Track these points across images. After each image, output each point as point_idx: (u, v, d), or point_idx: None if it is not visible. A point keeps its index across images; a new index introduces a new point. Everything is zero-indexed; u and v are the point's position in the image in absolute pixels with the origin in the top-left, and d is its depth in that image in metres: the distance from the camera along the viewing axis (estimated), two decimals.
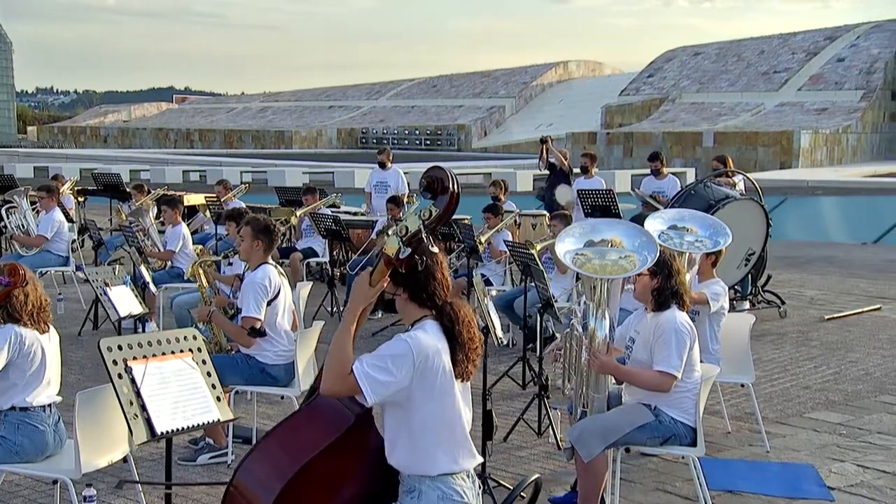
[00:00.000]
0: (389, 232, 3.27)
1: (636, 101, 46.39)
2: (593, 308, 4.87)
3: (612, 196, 11.35)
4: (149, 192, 13.84)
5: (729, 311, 6.74)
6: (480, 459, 3.47)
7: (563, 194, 12.70)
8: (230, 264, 7.85)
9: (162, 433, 3.56)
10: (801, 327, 10.09)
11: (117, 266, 7.55)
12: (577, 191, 11.83)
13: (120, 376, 3.48)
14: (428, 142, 50.85)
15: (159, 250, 10.17)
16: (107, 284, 6.52)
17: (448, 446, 3.35)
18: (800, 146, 35.45)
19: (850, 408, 7.24)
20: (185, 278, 9.62)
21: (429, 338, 3.31)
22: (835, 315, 10.53)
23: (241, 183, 19.84)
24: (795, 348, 9.17)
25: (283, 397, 7.05)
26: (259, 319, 6.14)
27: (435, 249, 3.35)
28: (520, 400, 7.77)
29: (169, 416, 3.54)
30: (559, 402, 6.68)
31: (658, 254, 4.88)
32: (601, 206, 10.98)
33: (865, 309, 10.85)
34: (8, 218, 11.09)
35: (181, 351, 3.69)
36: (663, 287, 5.02)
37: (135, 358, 3.52)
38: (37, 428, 4.78)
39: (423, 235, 3.18)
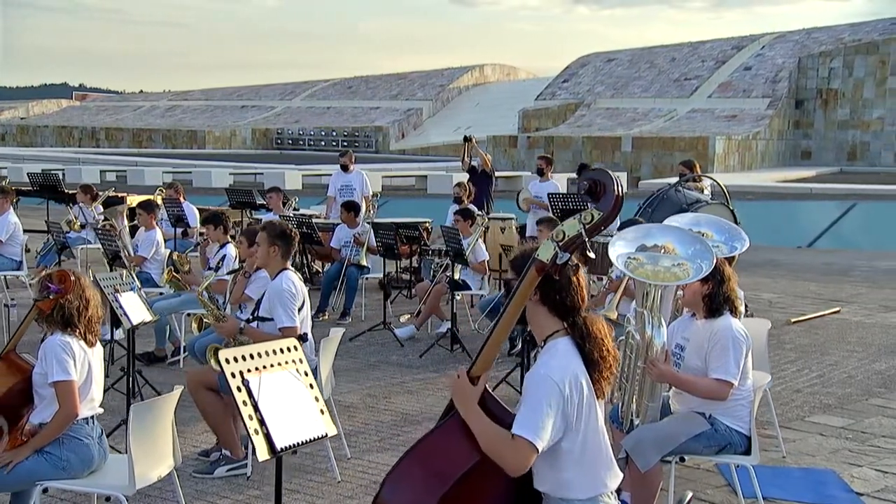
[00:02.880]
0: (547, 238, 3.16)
1: (552, 105, 46.88)
2: (648, 315, 4.87)
3: (584, 201, 11.42)
4: (97, 194, 13.41)
5: None
6: (621, 476, 3.41)
7: (523, 196, 12.74)
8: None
9: (282, 449, 3.44)
10: (771, 330, 10.30)
11: (124, 272, 7.29)
12: (549, 194, 11.88)
13: (239, 389, 3.34)
14: (345, 143, 50.46)
15: (129, 254, 9.86)
16: (117, 291, 6.29)
17: (595, 467, 3.28)
18: (715, 152, 36.34)
19: (846, 411, 7.43)
20: (163, 284, 9.37)
21: (564, 362, 3.20)
22: (799, 318, 10.79)
23: (162, 184, 19.33)
24: (773, 351, 9.35)
25: None
26: (296, 328, 6.01)
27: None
28: None
29: (285, 431, 3.41)
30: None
31: (714, 263, 4.91)
32: (572, 211, 11.02)
33: (826, 312, 11.16)
34: None
35: (286, 363, 3.57)
36: (715, 293, 5.04)
37: (248, 370, 3.38)
38: (82, 441, 4.59)
39: (586, 241, 3.09)
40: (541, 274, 3.16)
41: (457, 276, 9.90)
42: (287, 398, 3.50)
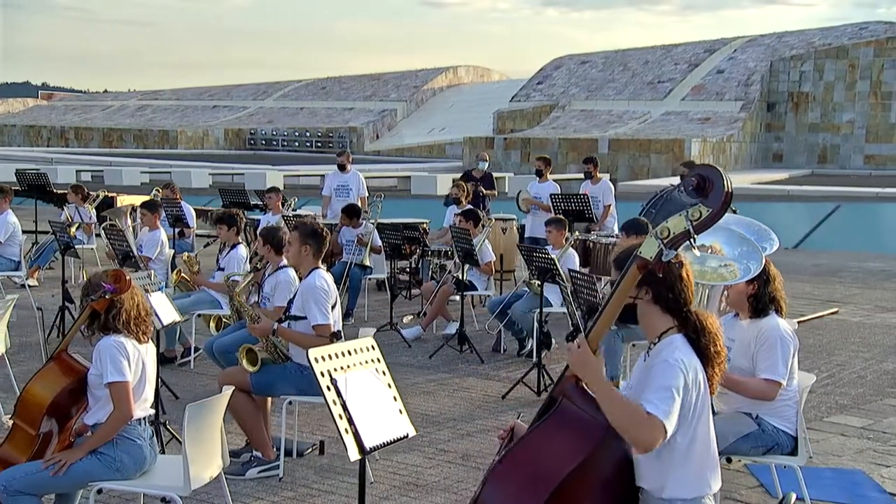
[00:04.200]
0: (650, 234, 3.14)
1: (527, 107, 47.02)
2: None
3: (586, 200, 11.48)
4: (87, 194, 13.28)
5: None
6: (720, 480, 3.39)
7: (522, 196, 12.76)
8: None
9: (371, 448, 3.41)
10: None
11: (151, 272, 7.22)
12: (550, 195, 11.91)
13: (328, 388, 3.32)
14: (319, 144, 50.31)
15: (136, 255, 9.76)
16: (147, 290, 6.21)
17: (702, 467, 3.25)
18: (691, 154, 36.58)
19: (863, 411, 7.50)
20: (171, 285, 9.28)
21: (688, 356, 3.19)
22: (801, 319, 10.89)
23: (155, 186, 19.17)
24: None
25: None
26: (330, 325, 5.98)
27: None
28: (538, 406, 7.77)
29: (372, 431, 3.39)
30: None
31: (763, 264, 4.93)
32: (574, 211, 11.08)
33: (826, 312, 11.27)
34: None
35: (366, 362, 3.55)
36: (761, 293, 5.06)
37: (335, 369, 3.36)
38: (134, 442, 4.55)
39: (693, 238, 3.07)
40: (642, 271, 3.13)
41: (461, 277, 9.88)
42: (370, 397, 3.48)
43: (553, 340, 9.37)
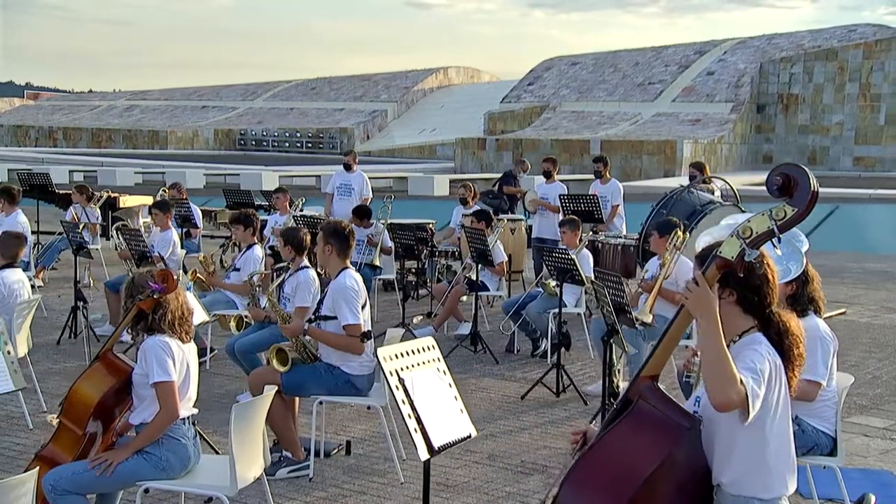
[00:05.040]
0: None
1: (518, 108, 47.07)
2: None
3: (595, 201, 11.50)
4: (92, 194, 13.22)
5: None
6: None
7: (530, 197, 12.77)
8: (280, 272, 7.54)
9: (439, 448, 3.41)
10: None
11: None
12: (560, 196, 11.92)
13: (397, 388, 3.32)
14: (310, 144, 50.21)
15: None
16: None
17: (781, 466, 3.24)
18: (683, 155, 36.71)
19: (883, 412, 7.55)
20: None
21: (772, 353, 3.19)
22: None
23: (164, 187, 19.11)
24: None
25: (369, 408, 6.88)
26: (360, 325, 5.98)
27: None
28: (559, 407, 7.79)
29: (438, 430, 3.39)
30: None
31: (804, 265, 4.94)
32: (584, 212, 11.10)
33: (834, 313, 11.30)
34: None
35: (428, 361, 3.55)
36: (800, 294, 5.08)
37: (403, 368, 3.36)
38: (179, 442, 4.54)
39: (777, 238, 3.03)
40: (721, 271, 3.11)
41: (473, 277, 9.89)
42: (434, 397, 3.48)
43: (572, 341, 9.38)
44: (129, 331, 4.59)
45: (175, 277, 4.48)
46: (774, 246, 3.09)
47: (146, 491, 4.51)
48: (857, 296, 12.88)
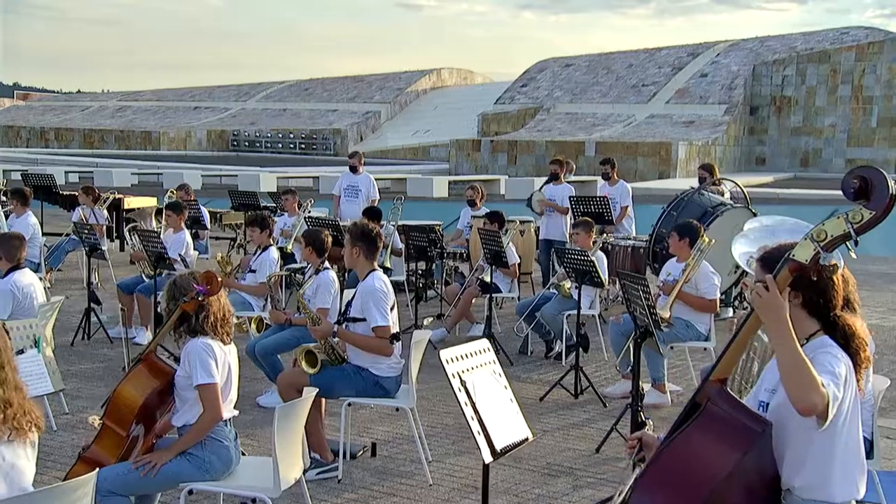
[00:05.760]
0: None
1: (511, 109, 47.13)
2: None
3: (605, 203, 11.52)
4: (98, 195, 13.18)
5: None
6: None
7: (537, 198, 12.77)
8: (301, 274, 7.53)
9: (501, 451, 3.42)
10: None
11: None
12: (570, 198, 11.94)
13: (460, 390, 3.32)
14: (303, 145, 50.13)
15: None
16: None
17: (853, 469, 3.24)
18: (677, 157, 36.82)
19: None
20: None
21: (843, 355, 3.19)
22: None
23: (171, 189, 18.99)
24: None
25: (398, 409, 6.88)
26: (390, 327, 5.98)
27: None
28: (578, 409, 7.81)
29: (499, 433, 3.40)
30: None
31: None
32: (594, 214, 11.11)
33: None
34: None
35: (485, 363, 3.55)
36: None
37: (464, 370, 3.37)
38: (222, 443, 4.55)
39: (854, 241, 3.01)
40: (793, 274, 3.10)
41: (487, 279, 9.90)
42: (493, 399, 3.48)
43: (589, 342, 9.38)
44: (172, 333, 4.59)
45: (219, 279, 4.48)
46: (849, 249, 3.09)
47: (190, 492, 4.51)
48: (863, 298, 12.83)
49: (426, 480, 6.09)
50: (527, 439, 3.69)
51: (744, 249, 5.00)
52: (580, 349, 8.30)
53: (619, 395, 8.01)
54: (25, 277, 6.99)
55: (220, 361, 4.50)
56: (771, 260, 3.25)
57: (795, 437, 3.18)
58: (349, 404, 6.21)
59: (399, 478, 6.18)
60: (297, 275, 9.42)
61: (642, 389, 7.01)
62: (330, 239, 7.44)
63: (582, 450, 6.78)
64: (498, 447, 3.39)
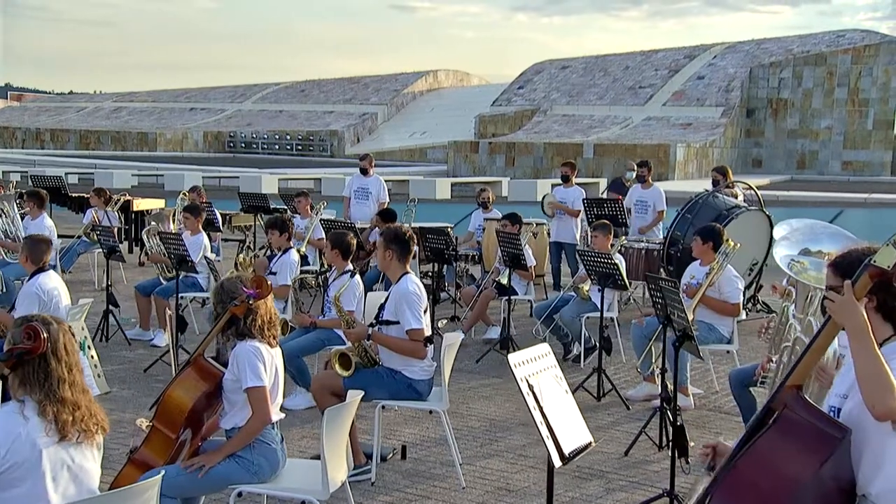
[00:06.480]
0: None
1: (509, 111, 47.21)
2: (815, 322, 4.95)
3: (620, 206, 11.55)
4: (109, 197, 13.17)
5: None
6: None
7: (548, 200, 12.81)
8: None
9: (570, 455, 3.43)
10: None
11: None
12: (584, 200, 11.97)
13: (528, 394, 3.34)
14: (300, 147, 50.12)
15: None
16: None
17: None
18: (676, 159, 36.91)
19: None
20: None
21: None
22: None
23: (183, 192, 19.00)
24: None
25: (431, 412, 6.89)
26: (423, 329, 6.00)
27: None
28: (601, 412, 7.82)
29: (566, 437, 3.41)
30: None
31: None
32: (608, 217, 11.14)
33: None
34: None
35: (546, 368, 3.57)
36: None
37: (531, 374, 3.38)
38: (269, 446, 4.57)
39: None
40: (873, 280, 3.08)
41: (504, 281, 9.91)
42: (558, 403, 3.50)
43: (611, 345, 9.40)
44: (220, 336, 4.60)
45: (268, 283, 4.49)
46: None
47: (239, 494, 4.52)
48: None
49: (459, 483, 6.10)
50: (590, 444, 3.70)
51: (785, 252, 5.03)
52: (603, 352, 8.31)
53: (642, 397, 8.04)
54: (50, 280, 6.98)
55: (268, 364, 4.52)
56: (844, 265, 3.26)
57: (871, 443, 3.17)
58: (382, 407, 6.22)
59: (431, 480, 6.20)
60: (310, 277, 9.45)
61: (670, 391, 7.01)
62: (355, 241, 7.45)
63: (611, 452, 6.80)
64: (566, 451, 3.40)
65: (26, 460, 3.20)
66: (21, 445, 3.19)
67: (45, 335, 3.25)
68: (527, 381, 3.36)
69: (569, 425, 3.53)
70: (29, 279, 7.08)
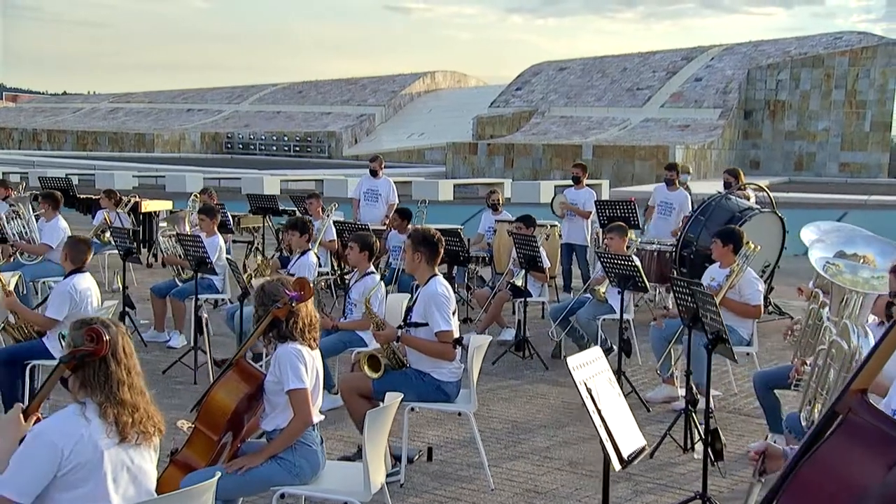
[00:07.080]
0: None
1: (506, 113, 47.24)
2: (852, 325, 4.97)
3: (633, 207, 11.57)
4: (119, 199, 13.16)
5: None
6: None
7: (559, 201, 12.82)
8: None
9: (628, 458, 3.44)
10: None
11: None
12: (595, 202, 11.98)
13: (587, 397, 3.35)
14: (297, 148, 50.11)
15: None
16: None
17: None
18: (674, 160, 36.91)
19: None
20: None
21: None
22: None
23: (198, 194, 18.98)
24: None
25: (460, 414, 6.90)
26: (452, 331, 6.01)
27: None
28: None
29: (624, 440, 3.42)
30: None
31: None
32: (620, 219, 11.15)
33: None
34: (9, 223, 10.35)
35: (600, 371, 3.58)
36: None
37: (589, 378, 3.39)
38: (310, 447, 4.59)
39: None
40: None
41: (519, 283, 9.92)
42: (613, 407, 3.51)
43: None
44: (262, 338, 4.60)
45: (311, 287, 4.50)
46: None
47: (282, 496, 4.53)
48: None
49: (487, 485, 6.12)
50: (644, 448, 3.71)
51: (820, 255, 5.05)
52: (623, 354, 8.33)
53: (661, 399, 8.06)
54: (84, 281, 7.01)
55: (309, 367, 4.53)
56: None
57: None
58: (411, 409, 6.22)
59: (459, 482, 6.21)
60: (323, 279, 9.47)
61: (697, 394, 7.03)
62: (378, 243, 7.46)
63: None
64: (625, 454, 3.41)
65: (89, 461, 3.21)
66: (84, 447, 3.20)
67: (107, 338, 3.26)
68: (585, 385, 3.37)
69: (625, 428, 3.54)
70: (64, 278, 7.11)
